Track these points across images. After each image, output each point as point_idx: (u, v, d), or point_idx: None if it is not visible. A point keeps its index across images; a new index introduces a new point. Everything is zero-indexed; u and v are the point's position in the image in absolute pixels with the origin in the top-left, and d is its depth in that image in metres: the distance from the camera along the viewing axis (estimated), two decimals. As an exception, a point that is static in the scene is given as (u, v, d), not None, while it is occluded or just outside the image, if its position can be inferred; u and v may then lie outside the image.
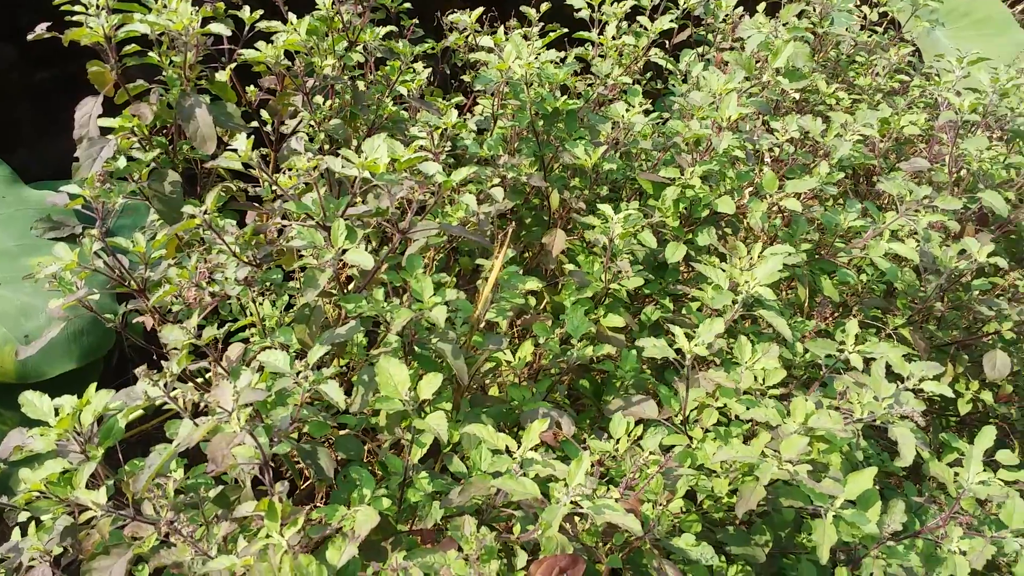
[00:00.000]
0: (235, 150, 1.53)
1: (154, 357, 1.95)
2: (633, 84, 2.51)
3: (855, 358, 2.07)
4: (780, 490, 1.82)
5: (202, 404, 1.27)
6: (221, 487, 1.63)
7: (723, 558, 1.96)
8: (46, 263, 1.70)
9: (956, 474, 2.04)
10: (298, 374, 1.40)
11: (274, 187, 1.75)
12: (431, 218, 1.80)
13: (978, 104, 2.59)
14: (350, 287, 2.04)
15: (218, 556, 1.33)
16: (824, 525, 1.72)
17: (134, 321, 1.77)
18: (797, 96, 3.06)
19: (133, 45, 1.94)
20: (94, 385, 1.57)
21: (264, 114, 2.25)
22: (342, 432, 1.83)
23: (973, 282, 2.59)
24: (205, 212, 1.49)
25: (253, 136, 2.30)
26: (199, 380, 1.93)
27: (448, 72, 3.07)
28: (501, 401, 2.04)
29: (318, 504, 2.45)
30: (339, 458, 1.86)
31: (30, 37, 1.84)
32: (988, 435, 2.04)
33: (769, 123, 2.46)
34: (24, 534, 1.63)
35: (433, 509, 1.63)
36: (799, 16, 2.96)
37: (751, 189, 2.41)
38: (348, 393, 1.85)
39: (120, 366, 2.91)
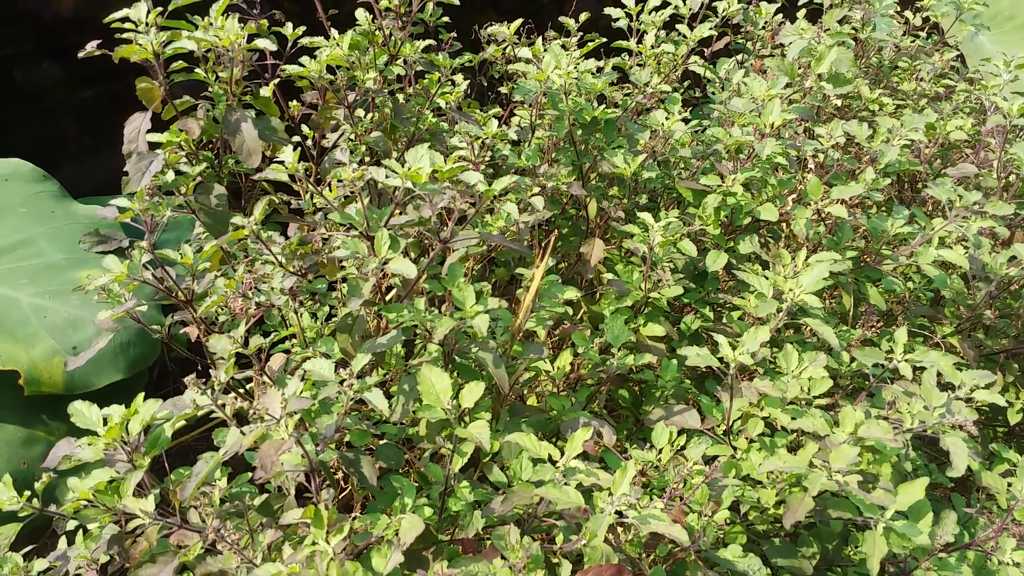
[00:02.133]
0: (281, 162, 1.55)
1: (198, 368, 1.98)
2: (672, 92, 2.49)
3: (904, 367, 2.02)
4: (828, 501, 1.79)
5: (250, 412, 1.28)
6: (265, 495, 1.65)
7: (768, 571, 1.92)
8: (96, 275, 1.74)
9: (1009, 484, 1.98)
10: (342, 382, 1.41)
11: (316, 200, 1.77)
12: (471, 228, 1.80)
13: (1027, 108, 2.53)
14: (389, 296, 2.06)
15: (263, 564, 1.34)
16: (875, 537, 1.68)
17: (180, 332, 1.80)
18: (839, 103, 3.02)
19: (180, 62, 1.98)
20: (142, 395, 1.60)
21: (305, 128, 2.29)
22: (382, 441, 1.84)
23: (1023, 290, 2.52)
24: (253, 223, 1.51)
25: (296, 148, 2.34)
26: (241, 391, 1.95)
27: (485, 84, 3.09)
28: (540, 411, 2.03)
29: (357, 514, 2.46)
30: (379, 467, 1.87)
31: (81, 55, 1.89)
32: (1042, 446, 1.99)
33: (812, 129, 2.43)
34: (71, 542, 1.66)
35: (475, 518, 1.62)
36: (841, 22, 2.92)
37: (794, 196, 2.37)
38: (388, 398, 1.85)
39: (161, 379, 2.96)
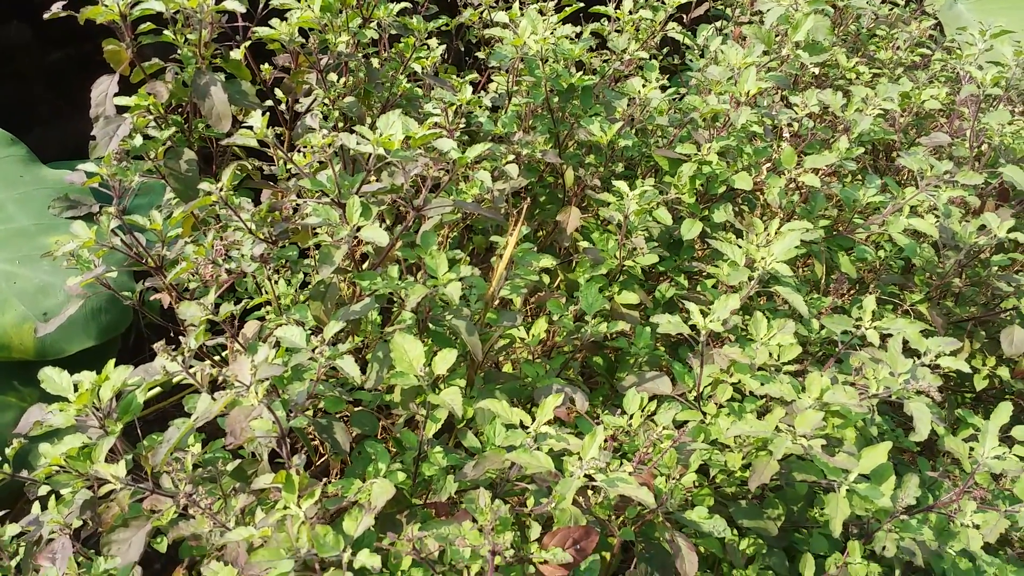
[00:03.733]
0: (250, 127, 1.53)
1: (171, 335, 1.97)
2: (650, 59, 2.48)
3: (872, 334, 2.05)
4: (794, 465, 1.82)
5: (220, 379, 1.28)
6: (238, 461, 1.65)
7: (735, 532, 1.96)
8: (64, 241, 1.72)
9: (971, 449, 2.03)
10: (314, 350, 1.41)
11: (288, 165, 1.76)
12: (445, 195, 1.80)
13: (1001, 78, 2.55)
14: (364, 265, 2.05)
15: (236, 528, 1.35)
16: (837, 499, 1.72)
17: (151, 299, 1.79)
18: (816, 71, 3.02)
19: (148, 24, 1.94)
20: (112, 361, 1.59)
21: (278, 92, 2.26)
22: (357, 408, 1.85)
23: (992, 258, 2.56)
24: (221, 189, 1.50)
25: (268, 114, 2.31)
26: (216, 358, 1.95)
27: (462, 49, 3.06)
28: (514, 378, 2.05)
29: (333, 480, 2.47)
30: (354, 434, 1.88)
31: (46, 16, 1.85)
32: (1004, 411, 2.03)
33: (788, 98, 2.43)
34: (44, 507, 1.66)
35: (448, 483, 1.64)
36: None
37: (769, 165, 2.38)
38: (363, 370, 1.86)
39: (137, 345, 2.94)
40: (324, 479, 2.31)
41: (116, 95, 1.91)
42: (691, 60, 3.09)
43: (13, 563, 1.64)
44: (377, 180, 1.74)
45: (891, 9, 3.28)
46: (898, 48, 3.20)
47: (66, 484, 1.60)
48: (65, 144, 3.32)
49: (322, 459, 2.27)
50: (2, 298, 2.13)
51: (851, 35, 3.34)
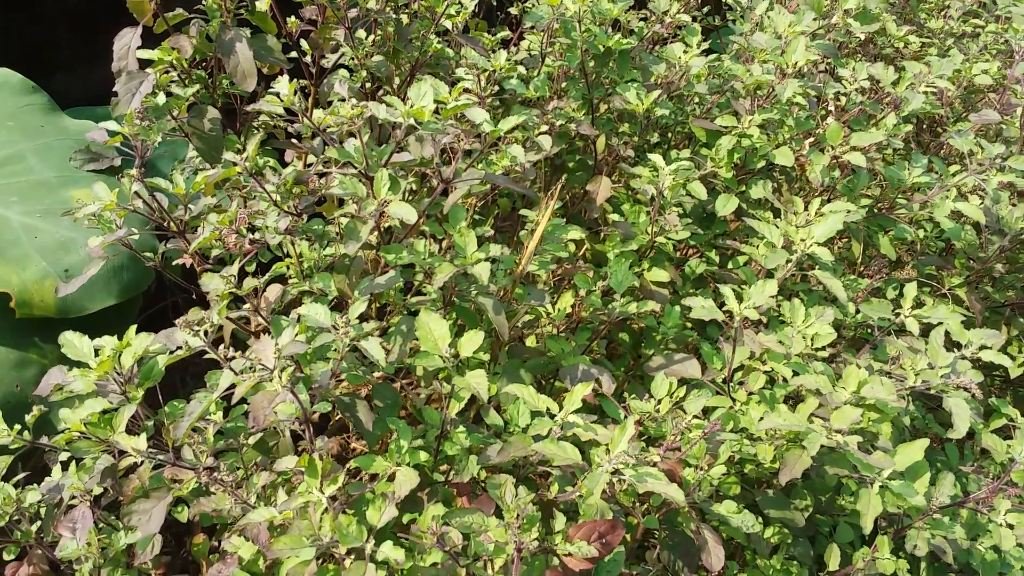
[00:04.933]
0: (277, 94, 1.46)
1: (193, 296, 1.94)
2: (691, 23, 2.37)
3: (911, 323, 1.99)
4: (826, 457, 1.78)
5: (242, 358, 1.24)
6: (260, 433, 1.63)
7: (760, 519, 1.93)
8: (85, 200, 1.68)
9: (1009, 446, 1.97)
10: (338, 329, 1.37)
11: (314, 127, 1.69)
12: (476, 166, 1.73)
13: (1060, 54, 2.41)
14: (389, 233, 2.00)
15: (258, 506, 1.33)
16: (870, 495, 1.68)
17: (173, 263, 1.75)
18: (863, 36, 2.89)
19: (172, -28, 1.86)
20: (134, 328, 1.56)
21: (304, 44, 2.17)
22: (377, 375, 1.80)
23: (1038, 244, 2.47)
24: (246, 159, 1.44)
25: (293, 66, 2.23)
26: (236, 316, 1.91)
27: (495, 2, 2.94)
28: (539, 353, 2.00)
29: (349, 438, 2.46)
30: (375, 404, 1.85)
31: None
32: (1040, 404, 1.98)
33: (835, 68, 2.32)
34: (65, 469, 1.65)
35: (470, 463, 1.61)
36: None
37: (811, 140, 2.28)
38: (384, 333, 1.82)
39: (159, 292, 2.92)
40: (343, 436, 2.29)
41: (139, 48, 1.84)
42: (733, 21, 2.96)
43: (34, 528, 1.64)
44: (406, 149, 1.67)
45: (945, -26, 3.12)
46: (949, 17, 3.05)
47: (87, 451, 1.58)
48: (89, 88, 3.26)
49: (338, 419, 2.25)
50: (23, 253, 2.10)
51: (901, 0, 3.19)
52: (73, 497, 1.59)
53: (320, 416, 1.55)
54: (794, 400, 1.93)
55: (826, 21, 2.28)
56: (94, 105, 3.04)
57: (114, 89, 1.76)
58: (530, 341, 2.27)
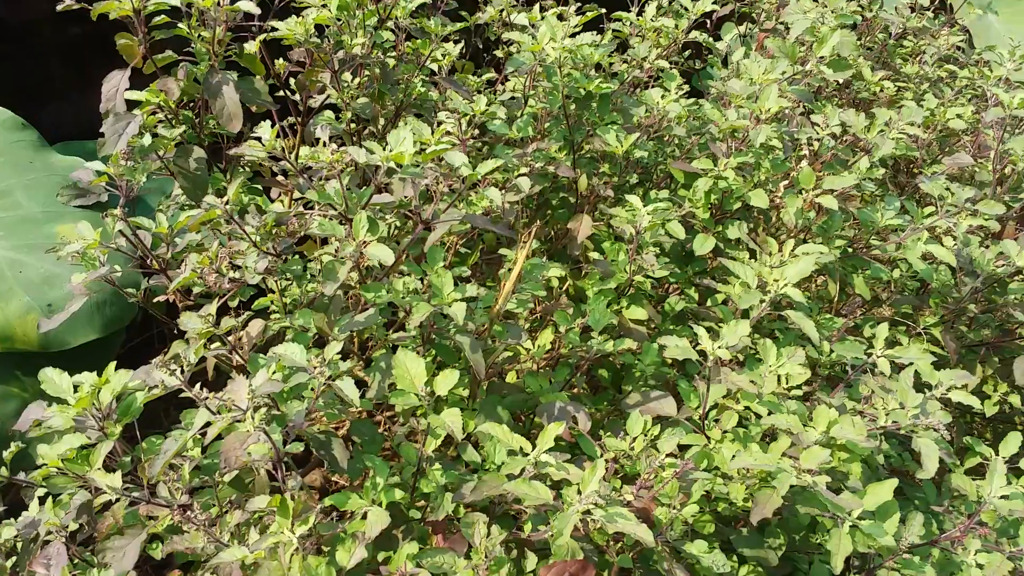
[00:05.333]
0: (259, 138, 1.50)
1: (174, 331, 1.96)
2: (670, 68, 2.43)
3: (883, 362, 2.02)
4: (797, 496, 1.80)
5: (214, 398, 1.26)
6: (236, 471, 1.64)
7: (735, 558, 1.94)
8: (68, 238, 1.70)
9: (979, 486, 2.00)
10: (314, 368, 1.39)
11: (295, 168, 1.72)
12: (457, 206, 1.77)
13: (1028, 100, 2.49)
14: (371, 273, 2.03)
15: (231, 545, 1.34)
16: (840, 534, 1.70)
17: (155, 301, 1.77)
18: (840, 80, 2.96)
19: (162, 16, 1.91)
20: (113, 364, 1.58)
21: (292, 82, 2.22)
22: (353, 409, 1.82)
23: (1010, 285, 2.51)
24: (227, 203, 1.48)
25: (280, 106, 2.28)
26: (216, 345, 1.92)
27: (481, 46, 3.01)
28: (518, 389, 2.02)
29: (328, 496, 2.46)
30: (353, 440, 1.86)
31: (59, 8, 1.82)
32: (1013, 442, 2.01)
33: (810, 112, 2.38)
34: (42, 504, 1.65)
35: (445, 501, 1.63)
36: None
37: (786, 182, 2.34)
38: (368, 365, 1.83)
39: (145, 323, 2.93)
40: (318, 467, 2.30)
41: (127, 89, 1.88)
42: (711, 66, 3.03)
43: (9, 563, 1.64)
44: (386, 188, 1.71)
45: (919, 22, 3.21)
46: (924, 62, 3.13)
47: (64, 487, 1.59)
48: (80, 120, 3.30)
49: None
50: (7, 287, 2.12)
51: (878, 44, 3.27)
52: (49, 533, 1.60)
53: (304, 448, 1.57)
54: (771, 439, 1.96)
55: (802, 68, 2.34)
56: (85, 138, 3.08)
57: (101, 130, 1.80)
58: (511, 377, 2.29)
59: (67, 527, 1.58)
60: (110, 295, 2.20)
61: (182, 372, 1.37)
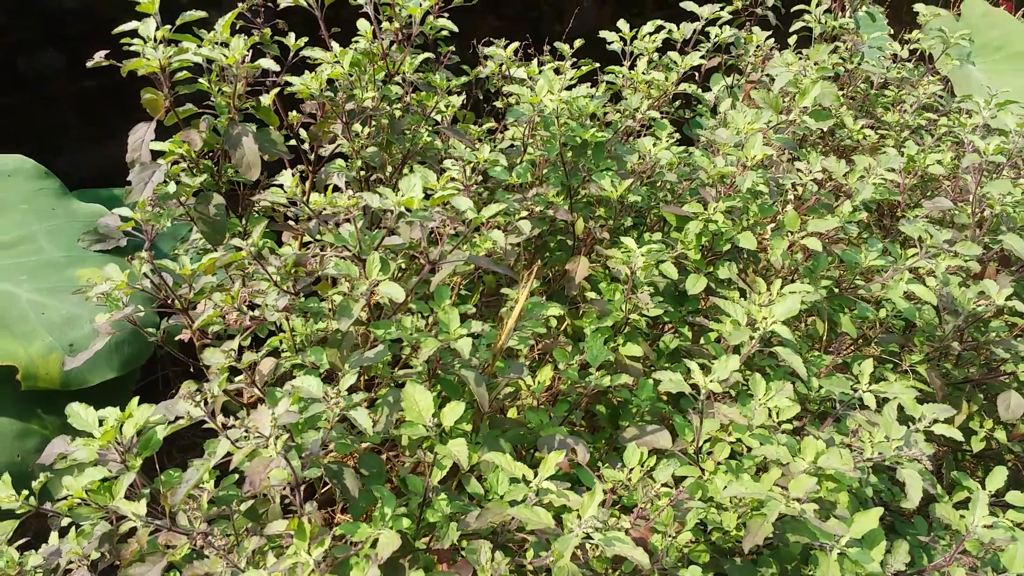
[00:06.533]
0: (281, 185, 1.62)
1: (187, 369, 2.05)
2: (661, 118, 2.57)
3: (868, 397, 2.11)
4: (788, 525, 1.88)
5: (238, 424, 1.35)
6: (251, 501, 1.72)
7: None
8: (96, 280, 1.81)
9: (962, 516, 2.07)
10: (329, 400, 1.48)
11: (312, 212, 1.83)
12: (461, 248, 1.88)
13: (1003, 148, 2.62)
14: (378, 311, 2.13)
15: (248, 569, 1.42)
16: (828, 562, 1.77)
17: (175, 339, 1.87)
18: (824, 128, 3.10)
19: (184, 72, 2.04)
20: (136, 400, 1.67)
21: (303, 133, 2.35)
22: (364, 445, 1.91)
23: (991, 323, 2.62)
24: (251, 245, 1.59)
25: (293, 156, 2.40)
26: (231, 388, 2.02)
27: (481, 97, 3.16)
28: (519, 424, 2.11)
29: (335, 511, 2.54)
30: (361, 473, 1.94)
31: (89, 64, 1.95)
32: (999, 476, 2.09)
33: (795, 159, 2.51)
34: (63, 535, 1.73)
35: (451, 530, 1.70)
36: (831, 46, 3.00)
37: (773, 224, 2.46)
38: (372, 404, 1.93)
39: (150, 365, 3.03)
40: (331, 507, 2.37)
41: (152, 140, 2.00)
42: (701, 115, 3.18)
43: (32, 592, 1.71)
44: (396, 233, 1.82)
45: (899, 73, 3.37)
46: (904, 111, 3.28)
47: (87, 517, 1.67)
48: (94, 167, 3.43)
49: (326, 487, 2.34)
50: (31, 328, 2.21)
51: (860, 93, 3.42)
52: (71, 562, 1.67)
53: (306, 488, 1.65)
54: (763, 470, 2.04)
55: (785, 117, 2.48)
56: (98, 186, 3.21)
57: (128, 178, 1.91)
58: (511, 413, 2.38)
59: (89, 556, 1.66)
60: (128, 335, 2.29)
61: (206, 404, 1.46)
